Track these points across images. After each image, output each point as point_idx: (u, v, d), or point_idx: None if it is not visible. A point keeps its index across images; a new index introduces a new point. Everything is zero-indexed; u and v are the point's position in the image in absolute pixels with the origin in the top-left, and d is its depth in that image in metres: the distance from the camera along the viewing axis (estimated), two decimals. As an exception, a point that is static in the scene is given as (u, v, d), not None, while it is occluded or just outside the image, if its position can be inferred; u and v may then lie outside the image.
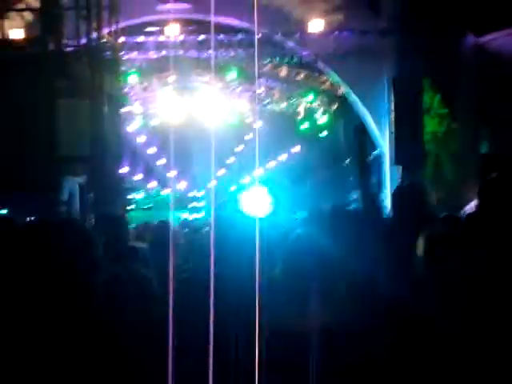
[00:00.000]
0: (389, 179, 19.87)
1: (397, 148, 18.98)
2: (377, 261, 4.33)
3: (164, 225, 6.47)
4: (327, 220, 4.90)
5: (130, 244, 5.25)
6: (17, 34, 16.26)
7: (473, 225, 3.69)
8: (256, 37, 19.10)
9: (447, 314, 3.42)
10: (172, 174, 26.04)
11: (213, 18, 17.43)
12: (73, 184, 10.05)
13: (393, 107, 18.93)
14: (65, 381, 3.12)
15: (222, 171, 26.23)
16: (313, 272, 3.68)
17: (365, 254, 4.35)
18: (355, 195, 22.28)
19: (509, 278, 3.31)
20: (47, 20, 8.57)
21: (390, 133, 19.41)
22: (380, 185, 20.69)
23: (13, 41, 12.04)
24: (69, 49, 9.01)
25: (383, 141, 20.05)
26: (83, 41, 9.51)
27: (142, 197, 25.70)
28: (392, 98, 19.03)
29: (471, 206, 12.70)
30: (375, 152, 21.32)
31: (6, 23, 10.53)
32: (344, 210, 5.20)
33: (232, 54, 20.13)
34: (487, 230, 3.53)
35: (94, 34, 9.68)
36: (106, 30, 11.40)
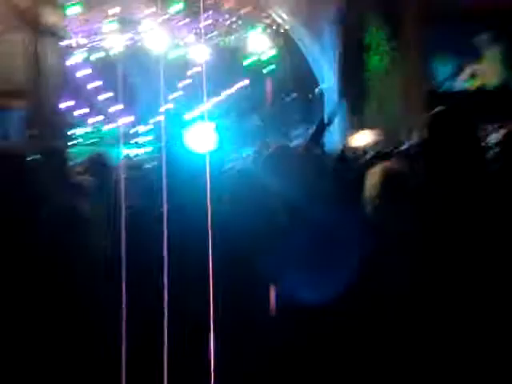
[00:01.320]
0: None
1: (341, 84, 19.06)
2: (321, 196, 4.35)
3: (99, 156, 6.25)
4: (270, 157, 4.90)
5: (73, 179, 5.12)
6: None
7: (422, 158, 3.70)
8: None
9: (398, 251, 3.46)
10: (115, 108, 25.64)
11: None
12: (11, 117, 9.82)
13: (337, 43, 18.95)
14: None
15: (167, 106, 25.93)
16: (254, 206, 3.68)
17: (308, 189, 4.37)
18: (298, 131, 22.35)
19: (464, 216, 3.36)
20: None
21: (335, 69, 19.44)
22: (328, 119, 20.74)
23: None
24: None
25: (331, 75, 20.03)
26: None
27: (84, 132, 25.28)
28: (337, 33, 19.03)
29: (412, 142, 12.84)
30: (322, 86, 21.32)
31: None
32: (286, 148, 5.17)
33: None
34: (437, 163, 3.56)
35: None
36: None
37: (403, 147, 7.49)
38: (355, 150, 16.57)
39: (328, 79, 20.15)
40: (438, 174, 3.52)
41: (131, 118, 25.83)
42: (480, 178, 3.48)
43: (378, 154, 5.85)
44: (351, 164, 5.67)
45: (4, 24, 8.02)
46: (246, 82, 25.32)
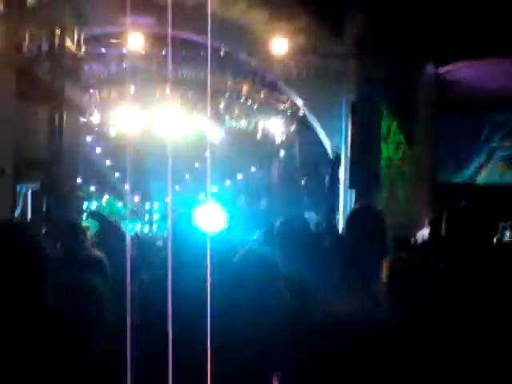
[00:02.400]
0: (343, 201, 20.04)
1: (351, 172, 19.19)
2: (326, 273, 4.41)
3: (112, 224, 6.27)
4: (277, 234, 4.95)
5: (86, 252, 5.17)
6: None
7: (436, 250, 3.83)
8: (209, 51, 19.26)
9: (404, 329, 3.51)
10: (127, 185, 25.92)
11: (170, 32, 17.48)
12: (25, 189, 9.98)
13: (349, 132, 19.16)
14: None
15: (177, 186, 26.17)
16: (260, 284, 3.72)
17: (313, 266, 4.43)
18: (308, 215, 22.46)
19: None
20: (9, 25, 8.49)
21: (346, 156, 19.62)
22: (334, 207, 20.87)
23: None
24: (32, 53, 8.95)
25: (342, 162, 20.22)
26: (46, 47, 9.44)
27: (95, 207, 25.50)
28: (349, 122, 19.26)
29: (423, 233, 12.89)
30: (333, 172, 21.48)
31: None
32: (294, 223, 5.24)
33: (193, 69, 20.19)
34: (453, 256, 3.67)
35: (58, 41, 9.62)
36: (69, 38, 11.36)
37: (417, 239, 7.55)
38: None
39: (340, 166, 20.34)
40: (456, 268, 3.62)
41: (142, 196, 26.10)
42: (498, 275, 3.58)
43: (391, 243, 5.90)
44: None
45: (28, 97, 8.24)
46: (259, 164, 25.63)
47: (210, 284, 3.52)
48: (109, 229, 5.94)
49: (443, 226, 3.89)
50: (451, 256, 3.75)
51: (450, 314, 3.54)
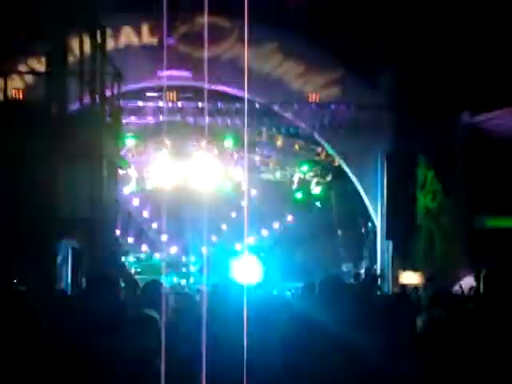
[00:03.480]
0: (379, 253, 19.91)
1: (388, 222, 19.10)
2: (373, 334, 4.39)
3: (155, 283, 6.29)
4: (322, 292, 4.94)
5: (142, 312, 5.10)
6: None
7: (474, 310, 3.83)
8: (246, 105, 19.42)
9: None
10: (164, 238, 26.00)
11: (207, 86, 17.70)
12: (66, 247, 10.09)
13: (385, 182, 19.13)
14: None
15: (214, 237, 26.21)
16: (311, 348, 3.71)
17: (360, 327, 4.41)
18: (346, 268, 22.33)
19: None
20: (51, 83, 8.68)
21: (382, 206, 19.56)
22: (372, 258, 20.75)
23: (16, 102, 12.23)
24: (71, 112, 9.12)
25: (375, 214, 20.14)
26: (85, 104, 9.62)
27: (133, 260, 25.61)
28: (385, 172, 19.24)
29: (463, 285, 12.76)
30: (368, 225, 21.42)
31: (9, 83, 10.65)
32: (338, 281, 5.23)
33: (229, 121, 20.37)
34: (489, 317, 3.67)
35: (96, 99, 9.80)
36: (107, 95, 11.54)
37: (455, 293, 7.49)
38: (405, 287, 16.50)
39: (375, 217, 20.27)
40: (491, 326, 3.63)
41: (179, 248, 26.19)
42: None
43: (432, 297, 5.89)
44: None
45: (70, 153, 8.40)
46: (294, 216, 25.61)
47: (248, 336, 3.54)
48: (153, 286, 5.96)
49: (481, 283, 3.91)
50: (488, 313, 3.76)
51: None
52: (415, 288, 14.73)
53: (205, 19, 14.92)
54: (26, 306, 3.56)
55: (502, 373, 3.52)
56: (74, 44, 10.71)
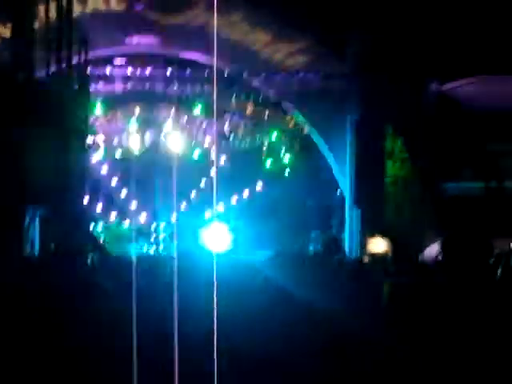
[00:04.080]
0: (348, 221, 20.06)
1: (356, 190, 19.24)
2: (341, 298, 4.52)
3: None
4: (291, 261, 5.06)
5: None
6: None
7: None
8: (215, 71, 19.37)
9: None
10: (133, 205, 25.95)
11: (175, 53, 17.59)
12: (33, 213, 10.06)
13: (354, 150, 19.23)
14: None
15: (183, 205, 26.21)
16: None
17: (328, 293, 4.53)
18: (314, 235, 22.46)
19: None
20: (18, 49, 8.61)
21: (351, 174, 19.67)
22: (341, 225, 20.90)
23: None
24: (37, 80, 9.05)
25: (344, 182, 20.27)
26: (52, 71, 9.55)
27: (102, 229, 25.52)
28: (354, 140, 19.34)
29: (429, 252, 12.95)
30: (337, 192, 21.53)
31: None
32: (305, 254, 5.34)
33: (198, 89, 20.30)
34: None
35: (63, 65, 9.73)
36: (74, 62, 11.46)
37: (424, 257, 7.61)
38: (374, 255, 16.68)
39: (344, 185, 20.38)
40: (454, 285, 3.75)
41: (148, 216, 26.16)
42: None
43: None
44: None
45: (36, 121, 8.36)
46: (264, 184, 25.66)
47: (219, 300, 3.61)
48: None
49: (440, 251, 4.05)
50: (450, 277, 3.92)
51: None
52: (383, 255, 14.95)
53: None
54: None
55: (459, 337, 3.65)
56: (41, 10, 10.60)
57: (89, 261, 6.28)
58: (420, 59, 17.64)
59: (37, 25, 10.47)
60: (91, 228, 20.32)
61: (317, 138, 20.90)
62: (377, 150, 19.05)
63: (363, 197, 19.12)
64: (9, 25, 10.04)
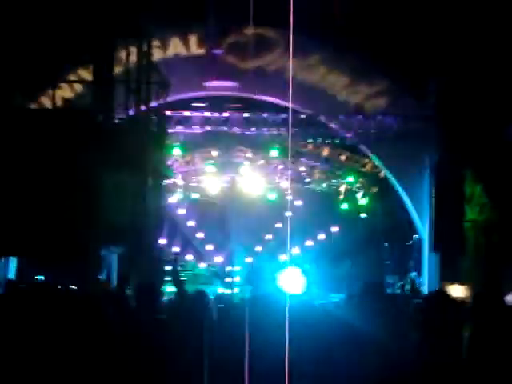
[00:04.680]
0: (427, 265, 19.71)
1: (435, 235, 18.89)
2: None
3: (200, 294, 6.34)
4: (362, 298, 4.94)
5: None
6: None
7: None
8: (290, 115, 19.40)
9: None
10: (209, 247, 26.08)
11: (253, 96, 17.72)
12: (111, 254, 10.19)
13: (433, 194, 18.93)
14: None
15: (259, 248, 26.23)
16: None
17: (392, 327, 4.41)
18: (391, 279, 22.12)
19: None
20: (98, 92, 8.79)
21: (429, 218, 19.36)
22: (418, 270, 20.53)
23: (64, 110, 12.42)
24: (117, 121, 9.22)
25: (423, 226, 19.95)
26: (131, 113, 9.72)
27: (180, 269, 25.72)
28: (432, 184, 19.05)
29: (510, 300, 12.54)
30: (415, 237, 21.21)
31: (57, 93, 10.82)
32: (379, 287, 5.21)
33: (275, 132, 20.37)
34: None
35: (143, 108, 9.89)
36: (153, 104, 11.64)
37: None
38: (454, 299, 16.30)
39: (422, 229, 20.06)
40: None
41: (224, 258, 26.26)
42: None
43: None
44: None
45: (115, 161, 8.51)
46: (338, 227, 25.48)
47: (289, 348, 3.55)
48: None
49: None
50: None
51: None
52: (462, 301, 14.51)
53: (250, 31, 15.08)
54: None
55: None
56: (122, 54, 10.82)
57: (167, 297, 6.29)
58: (500, 103, 17.34)
59: (117, 69, 10.66)
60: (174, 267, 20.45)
61: (394, 181, 20.67)
62: (456, 193, 18.71)
63: (442, 242, 18.76)
64: (90, 68, 10.30)
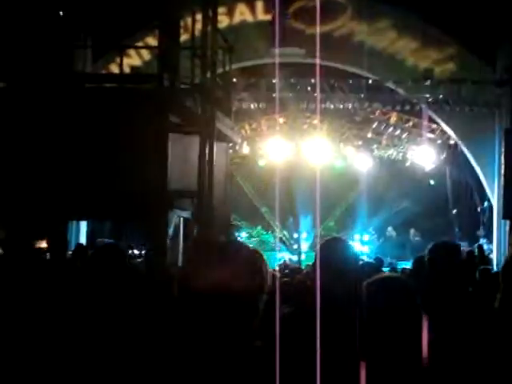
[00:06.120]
0: (496, 232, 19.40)
1: (506, 202, 18.53)
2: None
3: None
4: (428, 260, 4.85)
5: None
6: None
7: None
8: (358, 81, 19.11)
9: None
10: (276, 215, 26.18)
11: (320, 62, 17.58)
12: (179, 218, 10.30)
13: (503, 160, 18.54)
14: None
15: (326, 216, 26.21)
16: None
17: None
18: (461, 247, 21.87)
19: None
20: (164, 58, 8.84)
21: (499, 184, 19.00)
22: (487, 237, 20.26)
23: (130, 76, 12.54)
24: (183, 86, 9.27)
25: (492, 193, 19.62)
26: (197, 79, 9.75)
27: (245, 236, 25.93)
28: (503, 150, 18.65)
29: None
30: (484, 204, 20.91)
31: (125, 60, 10.91)
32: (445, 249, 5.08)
33: (342, 98, 20.20)
34: None
35: (208, 74, 9.92)
36: (219, 70, 11.66)
37: None
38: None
39: (492, 196, 19.74)
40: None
41: (291, 225, 26.34)
42: None
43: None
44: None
45: (180, 129, 8.57)
46: (409, 193, 25.26)
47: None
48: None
49: None
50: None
51: None
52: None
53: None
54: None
55: None
56: (188, 21, 10.86)
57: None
58: None
59: (183, 36, 10.70)
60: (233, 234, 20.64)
61: (464, 147, 20.35)
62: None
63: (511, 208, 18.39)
64: (156, 35, 10.36)
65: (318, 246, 4.29)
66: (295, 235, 26.22)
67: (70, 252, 10.68)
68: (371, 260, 12.64)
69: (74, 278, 5.54)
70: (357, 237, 24.52)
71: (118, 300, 4.25)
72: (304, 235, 25.79)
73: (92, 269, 4.69)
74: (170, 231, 9.34)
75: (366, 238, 24.84)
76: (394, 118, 22.70)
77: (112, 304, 4.20)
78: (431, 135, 22.88)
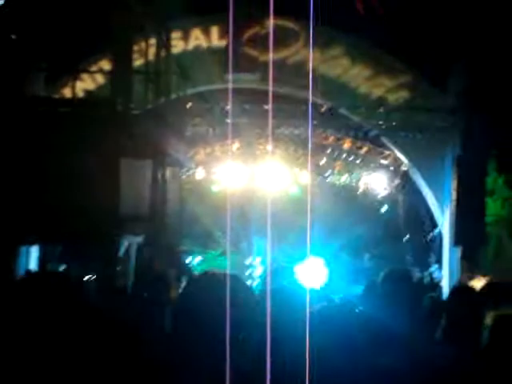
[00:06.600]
0: (447, 258, 19.59)
1: (457, 228, 18.75)
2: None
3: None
4: (380, 285, 4.88)
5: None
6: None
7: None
8: (310, 107, 19.30)
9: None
10: (229, 240, 26.08)
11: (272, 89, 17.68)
12: (131, 243, 10.21)
13: (455, 186, 18.78)
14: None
15: (279, 240, 26.19)
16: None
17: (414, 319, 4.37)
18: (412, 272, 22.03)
19: None
20: (117, 83, 8.81)
21: (450, 212, 19.23)
22: (438, 263, 20.44)
23: (83, 100, 12.48)
24: (136, 111, 9.23)
25: (444, 219, 19.83)
26: (150, 104, 9.73)
27: (198, 261, 25.77)
28: (454, 177, 18.90)
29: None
30: (435, 230, 21.10)
31: (79, 84, 10.86)
32: (397, 274, 5.13)
33: (295, 124, 20.31)
34: None
35: (162, 99, 9.90)
36: (174, 95, 11.65)
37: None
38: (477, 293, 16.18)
39: (443, 223, 19.95)
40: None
41: (244, 251, 26.27)
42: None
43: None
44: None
45: (133, 153, 8.53)
46: (361, 219, 25.39)
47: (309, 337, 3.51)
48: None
49: None
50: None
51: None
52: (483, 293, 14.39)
53: (270, 22, 15.04)
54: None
55: None
56: (141, 45, 10.83)
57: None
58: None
59: (138, 59, 10.67)
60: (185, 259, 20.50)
61: (415, 174, 20.57)
62: (479, 187, 18.56)
63: (463, 236, 18.63)
64: (110, 59, 10.33)
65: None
66: (249, 260, 26.15)
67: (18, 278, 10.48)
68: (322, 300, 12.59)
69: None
70: (311, 261, 24.51)
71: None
72: (258, 260, 25.73)
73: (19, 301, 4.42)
74: (121, 255, 9.25)
75: (320, 262, 24.86)
76: (347, 144, 22.86)
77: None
78: (384, 161, 23.10)
